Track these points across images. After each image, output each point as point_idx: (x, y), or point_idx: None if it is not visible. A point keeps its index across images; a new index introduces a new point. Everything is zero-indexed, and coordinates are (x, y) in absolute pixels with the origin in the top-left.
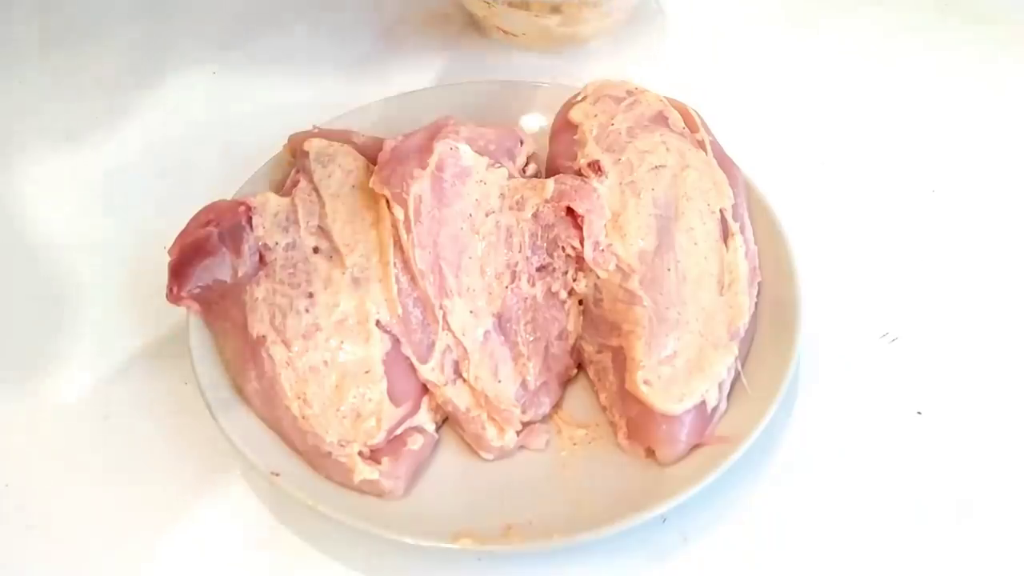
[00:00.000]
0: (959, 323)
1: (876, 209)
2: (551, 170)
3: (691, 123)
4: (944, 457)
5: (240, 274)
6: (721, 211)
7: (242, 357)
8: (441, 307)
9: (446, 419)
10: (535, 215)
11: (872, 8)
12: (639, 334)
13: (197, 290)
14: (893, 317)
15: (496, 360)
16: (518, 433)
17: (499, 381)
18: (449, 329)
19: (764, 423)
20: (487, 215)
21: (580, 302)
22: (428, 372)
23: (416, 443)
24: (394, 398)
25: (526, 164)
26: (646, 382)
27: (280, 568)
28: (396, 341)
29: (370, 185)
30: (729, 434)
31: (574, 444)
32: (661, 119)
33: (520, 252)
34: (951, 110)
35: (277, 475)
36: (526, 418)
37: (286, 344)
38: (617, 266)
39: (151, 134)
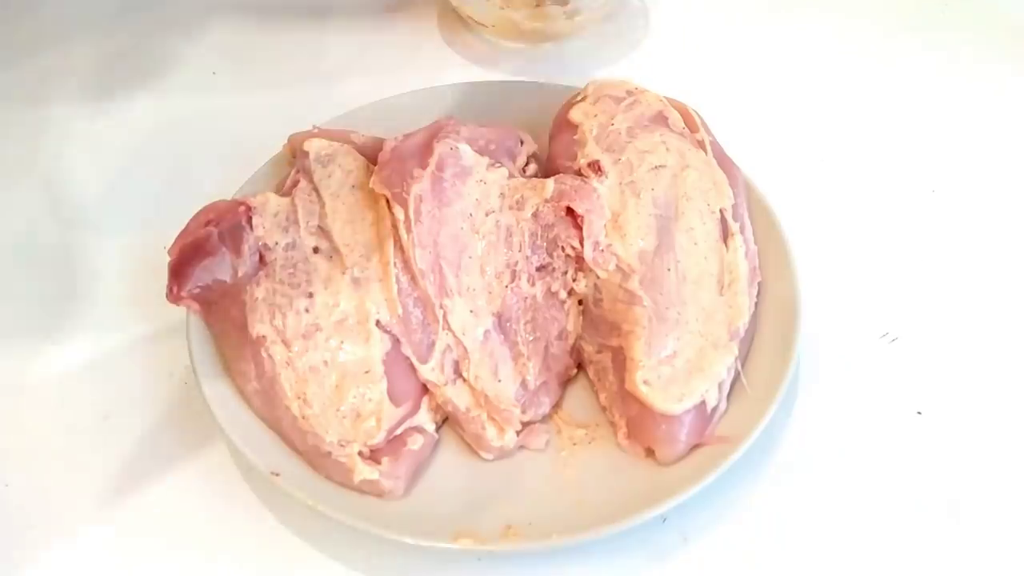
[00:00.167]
0: (959, 323)
1: (876, 209)
2: (551, 170)
3: (691, 123)
4: (944, 457)
5: (240, 274)
6: (721, 211)
7: (242, 357)
8: (441, 307)
9: (446, 419)
10: (535, 215)
11: (872, 7)
12: (639, 334)
13: (197, 290)
14: (893, 317)
15: (496, 360)
16: (518, 433)
17: (499, 381)
18: (449, 329)
19: (764, 423)
20: (487, 215)
21: (580, 302)
22: (428, 372)
23: (416, 443)
24: (394, 398)
25: (526, 164)
26: (646, 382)
27: (280, 568)
28: (396, 341)
29: (370, 185)
30: (729, 434)
31: (574, 444)
32: (661, 119)
33: (520, 252)
34: (951, 110)
35: (277, 475)
36: (526, 418)
37: (286, 344)
38: (617, 266)
39: (151, 134)
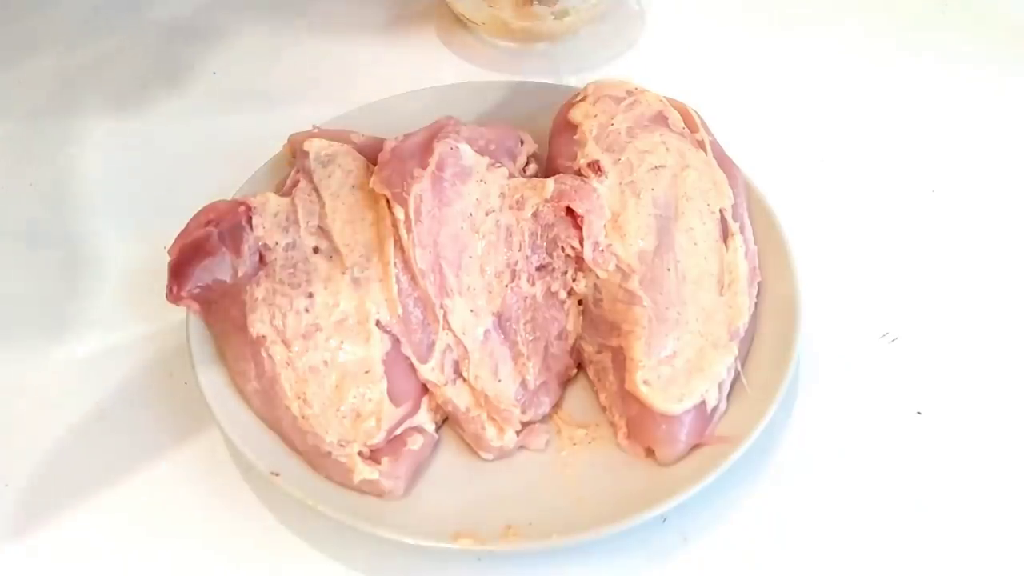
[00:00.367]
0: (959, 323)
1: (876, 209)
2: (551, 170)
3: (691, 123)
4: (944, 457)
5: (240, 274)
6: (721, 211)
7: (242, 357)
8: (442, 306)
9: (446, 419)
10: (535, 214)
11: (872, 7)
12: (639, 334)
13: (197, 290)
14: (893, 317)
15: (496, 360)
16: (518, 433)
17: (499, 381)
18: (450, 328)
19: (764, 423)
20: (487, 214)
21: (580, 302)
22: (428, 372)
23: (416, 443)
24: (394, 398)
25: (526, 164)
26: (646, 382)
27: (280, 568)
28: (396, 341)
29: (371, 185)
30: (729, 434)
31: (574, 444)
32: (661, 119)
33: (520, 251)
34: (951, 110)
35: (277, 475)
36: (526, 418)
37: (286, 344)
38: (617, 266)
39: (151, 134)
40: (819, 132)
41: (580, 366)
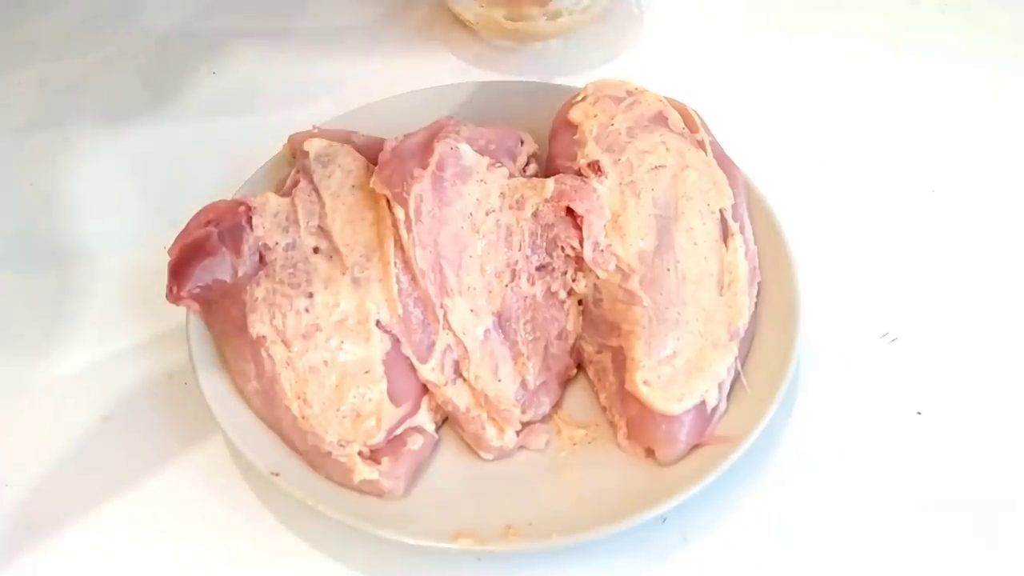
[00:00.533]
0: (959, 323)
1: (876, 209)
2: (551, 170)
3: (691, 123)
4: (944, 457)
5: (240, 274)
6: (721, 211)
7: (242, 357)
8: (442, 306)
9: (446, 419)
10: (535, 214)
11: (872, 7)
12: (639, 334)
13: (197, 290)
14: (893, 317)
15: (496, 359)
16: (518, 433)
17: (499, 381)
18: (450, 328)
19: (764, 423)
20: (487, 214)
21: (580, 302)
22: (428, 372)
23: (416, 443)
24: (394, 398)
25: (526, 164)
26: (646, 382)
27: (280, 568)
28: (396, 341)
29: (371, 185)
30: (729, 434)
31: (574, 444)
32: (661, 119)
33: (520, 251)
34: (951, 110)
35: (277, 475)
36: (526, 418)
37: (286, 344)
38: (617, 266)
39: (151, 134)
40: (819, 132)
41: (580, 366)
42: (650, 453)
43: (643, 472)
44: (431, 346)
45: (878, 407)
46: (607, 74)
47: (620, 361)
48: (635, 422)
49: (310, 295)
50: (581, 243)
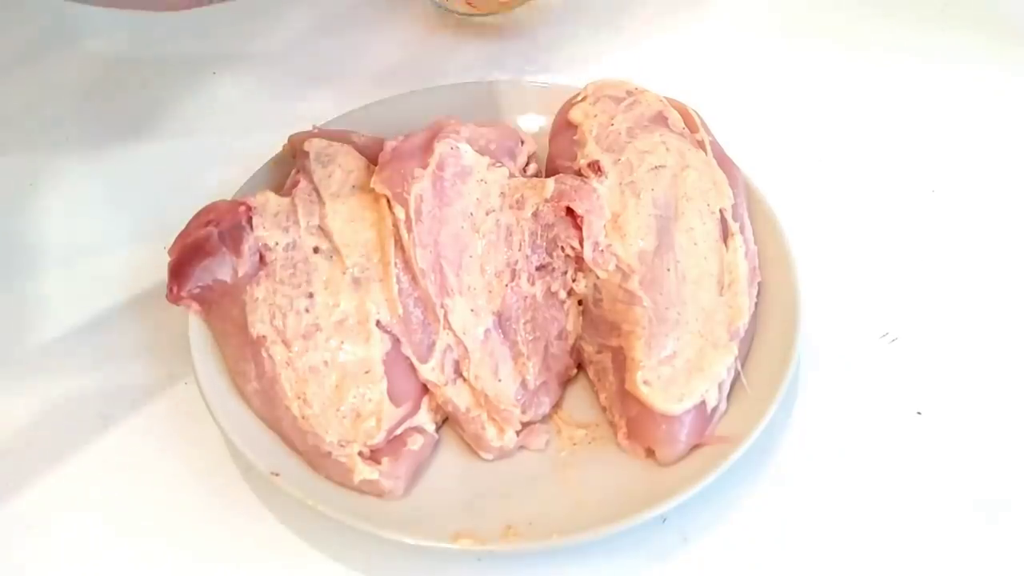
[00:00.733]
0: (959, 323)
1: (876, 209)
2: (551, 170)
3: (691, 123)
4: (944, 457)
5: (240, 274)
6: (721, 211)
7: (242, 357)
8: (442, 306)
9: (446, 419)
10: (535, 214)
11: (872, 6)
12: (639, 334)
13: (197, 290)
14: (893, 317)
15: (496, 359)
16: (518, 433)
17: (499, 380)
18: (450, 328)
19: (764, 423)
20: (487, 214)
21: (580, 302)
22: (428, 372)
23: (416, 443)
24: (394, 398)
25: (527, 164)
26: (646, 382)
27: (280, 568)
28: (396, 341)
29: (371, 185)
30: (729, 434)
31: (574, 444)
32: (661, 119)
33: (520, 251)
34: (951, 110)
35: (277, 475)
36: (526, 418)
37: (286, 344)
38: (617, 266)
39: (151, 134)
40: (819, 132)
41: (580, 366)
42: (650, 453)
43: (643, 472)
44: (431, 346)
45: (878, 407)
46: (607, 74)
47: (620, 361)
48: (635, 422)
49: (310, 295)
50: (581, 243)
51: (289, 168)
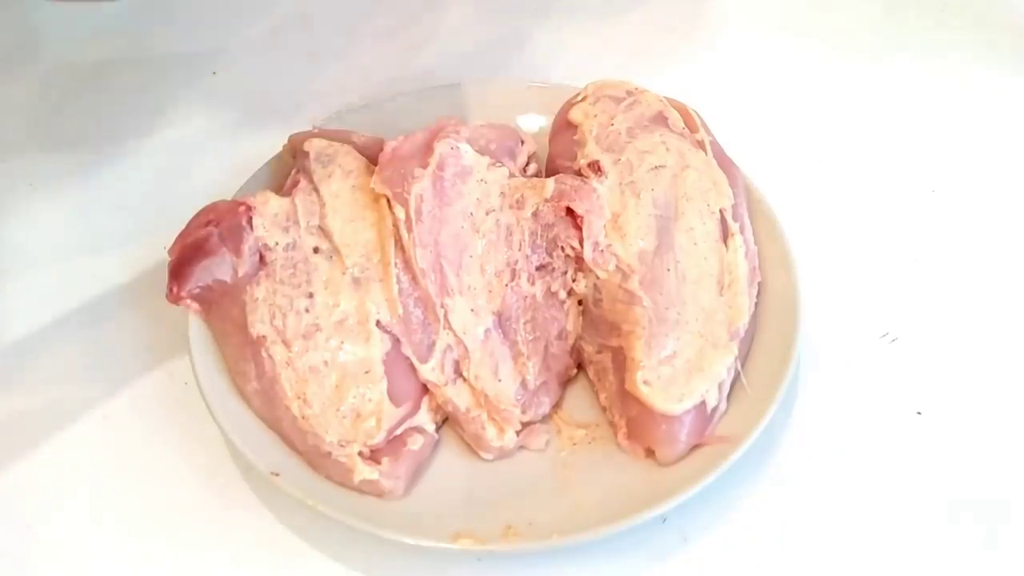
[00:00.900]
0: (959, 323)
1: (876, 209)
2: (551, 170)
3: (691, 123)
4: (944, 457)
5: (240, 274)
6: (721, 211)
7: (242, 357)
8: (442, 306)
9: (446, 419)
10: (535, 214)
11: (872, 6)
12: (639, 334)
13: (197, 290)
14: (893, 317)
15: (496, 359)
16: (518, 433)
17: (499, 380)
18: (450, 328)
19: (764, 423)
20: (487, 214)
21: (580, 302)
22: (428, 372)
23: (416, 443)
24: (394, 398)
25: (527, 164)
26: (646, 382)
27: (280, 568)
28: (396, 341)
29: (371, 185)
30: (729, 434)
31: (574, 444)
32: (661, 119)
33: (520, 251)
34: (951, 110)
35: (277, 475)
36: (526, 418)
37: (286, 344)
38: (617, 266)
39: (151, 134)
40: (819, 132)
41: (580, 366)
42: (650, 453)
43: (643, 472)
44: (431, 346)
45: (878, 407)
46: (606, 74)
47: (620, 361)
48: (635, 422)
49: (310, 295)
50: (581, 243)
51: (289, 168)
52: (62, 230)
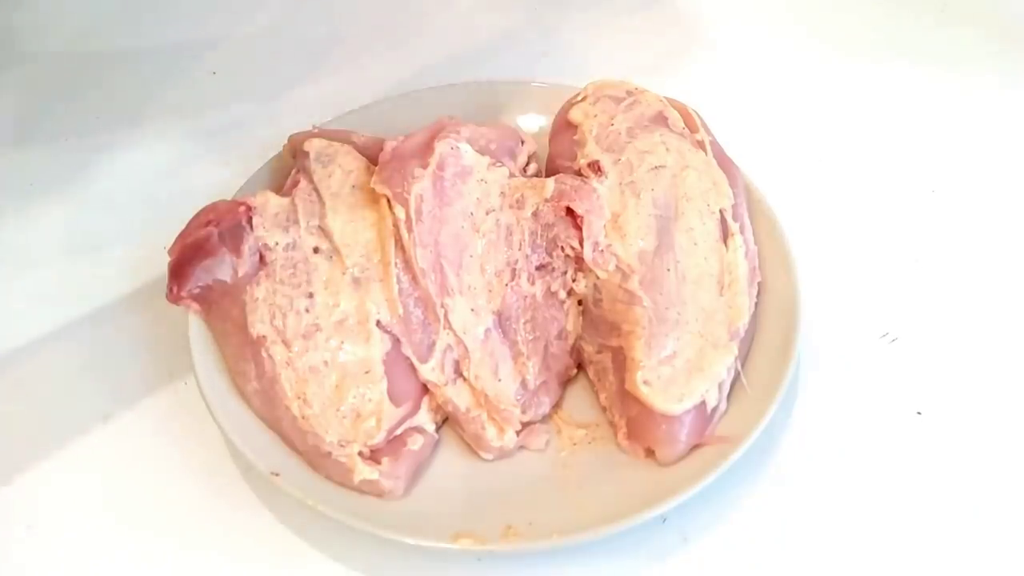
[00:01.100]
0: (959, 323)
1: (876, 209)
2: (551, 170)
3: (691, 123)
4: (944, 457)
5: (240, 274)
6: (721, 211)
7: (242, 357)
8: (443, 305)
9: (446, 419)
10: (535, 214)
11: (872, 7)
12: (639, 334)
13: (197, 290)
14: (893, 317)
15: (496, 359)
16: (518, 433)
17: (499, 380)
18: (450, 327)
19: (764, 423)
20: (487, 213)
21: (580, 302)
22: (428, 372)
23: (416, 443)
24: (394, 398)
25: (527, 164)
26: (646, 382)
27: (280, 568)
28: (396, 341)
29: (371, 185)
30: (729, 434)
31: (574, 444)
32: (661, 119)
33: (520, 250)
34: (951, 110)
35: (277, 475)
36: (526, 418)
37: (286, 344)
38: (617, 266)
39: (151, 134)
40: (819, 132)
41: (580, 366)
42: (650, 453)
43: (643, 472)
44: (431, 346)
45: (878, 407)
46: (606, 74)
47: (620, 361)
48: (635, 422)
49: (310, 295)
50: (581, 243)
51: (289, 168)
52: (61, 229)
